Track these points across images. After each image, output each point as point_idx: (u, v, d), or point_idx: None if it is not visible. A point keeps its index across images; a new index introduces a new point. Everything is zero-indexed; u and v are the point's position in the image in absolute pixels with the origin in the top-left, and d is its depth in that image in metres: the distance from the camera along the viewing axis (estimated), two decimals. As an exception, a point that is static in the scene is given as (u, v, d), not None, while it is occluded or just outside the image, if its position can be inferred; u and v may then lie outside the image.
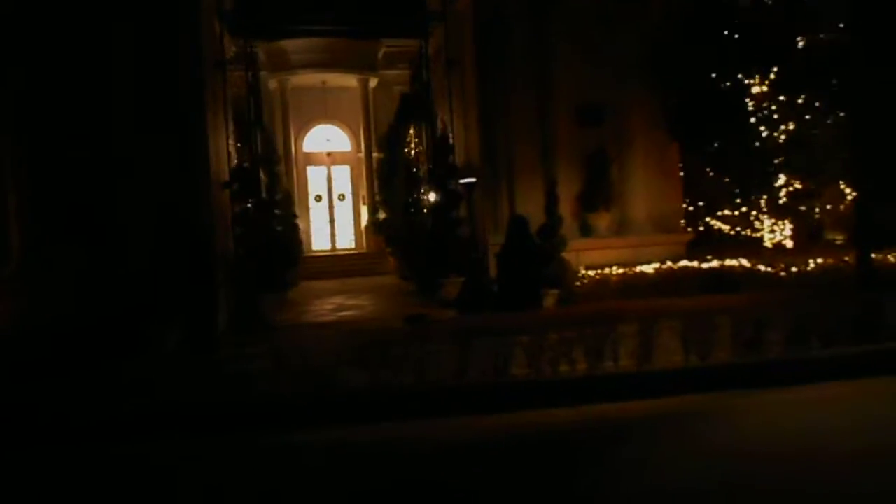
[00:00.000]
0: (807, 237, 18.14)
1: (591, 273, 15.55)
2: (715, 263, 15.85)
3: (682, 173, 17.66)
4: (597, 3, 16.74)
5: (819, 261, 15.95)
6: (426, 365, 8.98)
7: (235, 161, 19.77)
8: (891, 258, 15.36)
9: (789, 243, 18.26)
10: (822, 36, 14.92)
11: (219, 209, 15.97)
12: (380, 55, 29.58)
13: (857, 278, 12.51)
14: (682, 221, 17.92)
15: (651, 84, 16.80)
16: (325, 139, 31.48)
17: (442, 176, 16.62)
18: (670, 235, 17.29)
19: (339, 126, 31.71)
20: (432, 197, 17.07)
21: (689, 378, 8.96)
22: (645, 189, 17.24)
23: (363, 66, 29.77)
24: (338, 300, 19.12)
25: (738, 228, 18.51)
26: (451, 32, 17.78)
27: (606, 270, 15.62)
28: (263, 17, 19.76)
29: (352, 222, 31.60)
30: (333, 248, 31.43)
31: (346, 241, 31.64)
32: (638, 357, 9.12)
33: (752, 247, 18.16)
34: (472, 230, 16.52)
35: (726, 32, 15.74)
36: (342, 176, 31.82)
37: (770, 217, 17.65)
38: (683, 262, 15.79)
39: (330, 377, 8.82)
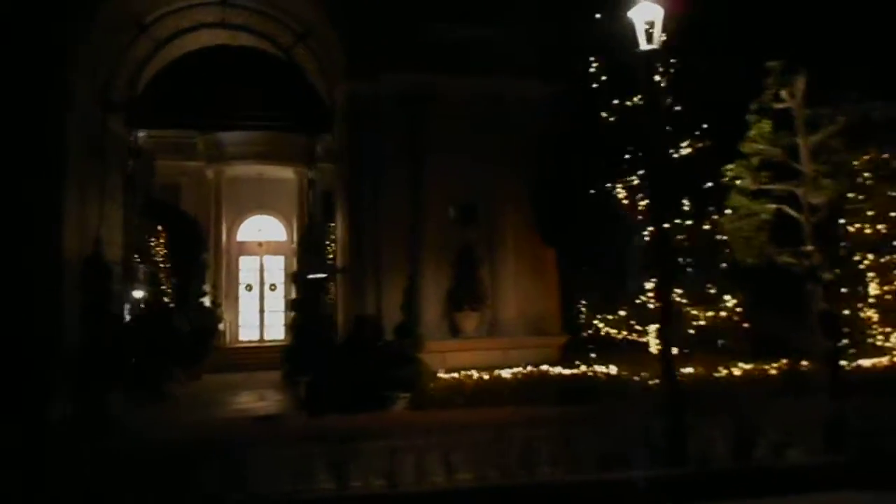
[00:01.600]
0: (694, 343, 17.16)
1: (448, 377, 14.54)
2: (581, 370, 14.86)
3: (561, 275, 16.88)
4: (474, 104, 16.44)
5: (691, 370, 14.99)
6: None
7: (122, 249, 19.18)
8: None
9: (674, 349, 17.22)
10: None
11: (72, 296, 15.22)
12: (318, 149, 29.55)
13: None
14: (559, 323, 17.00)
15: (526, 186, 16.29)
16: (258, 229, 31.03)
17: (298, 273, 15.87)
18: (543, 338, 16.33)
19: (275, 216, 31.32)
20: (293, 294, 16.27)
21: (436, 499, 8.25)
22: (518, 290, 16.41)
23: (300, 159, 29.59)
24: (230, 397, 18.04)
25: (624, 332, 17.58)
26: (338, 130, 17.48)
27: (467, 374, 14.61)
28: (161, 109, 19.60)
29: (283, 313, 30.69)
30: (262, 339, 30.39)
31: (276, 331, 30.62)
32: (389, 477, 8.28)
33: (637, 352, 17.21)
34: (321, 328, 15.61)
35: (597, 141, 15.35)
36: (276, 266, 31.16)
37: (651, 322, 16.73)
38: (545, 368, 14.78)
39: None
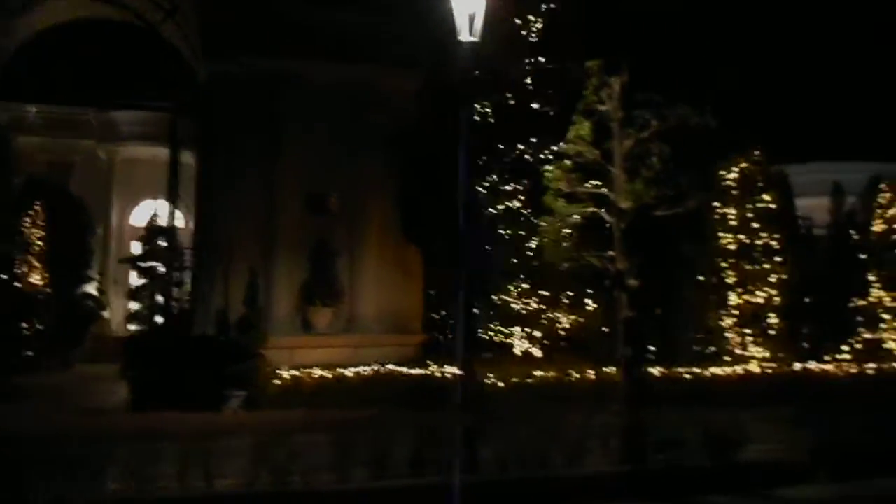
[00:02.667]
0: (556, 346, 16.93)
1: (289, 375, 13.83)
2: (430, 371, 14.37)
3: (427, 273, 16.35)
4: (341, 92, 15.73)
5: (550, 374, 14.68)
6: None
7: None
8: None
9: (538, 352, 16.99)
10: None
11: None
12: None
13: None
14: (421, 322, 16.48)
15: (392, 180, 15.69)
16: (153, 213, 29.68)
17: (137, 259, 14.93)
18: (401, 336, 15.77)
19: (172, 201, 30.06)
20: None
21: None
22: (379, 286, 15.80)
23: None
24: (88, 389, 16.98)
25: (489, 333, 17.18)
26: (198, 113, 16.58)
27: (309, 372, 13.95)
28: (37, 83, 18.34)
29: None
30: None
31: (170, 319, 29.40)
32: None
33: (502, 353, 16.86)
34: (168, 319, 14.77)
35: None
36: (172, 253, 29.92)
37: (516, 324, 16.42)
38: (392, 367, 14.23)
39: None
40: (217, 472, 8.30)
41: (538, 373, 14.85)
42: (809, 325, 19.21)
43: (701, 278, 17.72)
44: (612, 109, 9.52)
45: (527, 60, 11.53)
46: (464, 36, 9.44)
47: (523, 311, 16.75)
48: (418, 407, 12.60)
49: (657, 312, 18.45)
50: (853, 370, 17.36)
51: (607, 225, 10.68)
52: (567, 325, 16.80)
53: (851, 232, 20.90)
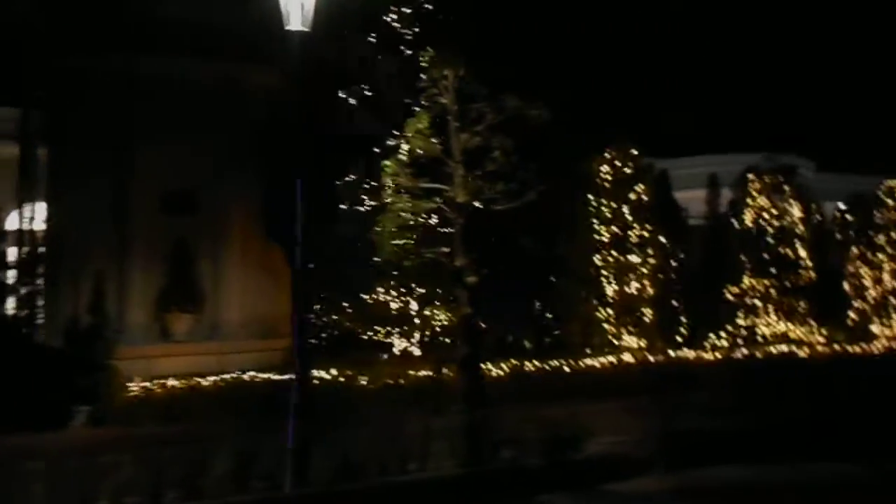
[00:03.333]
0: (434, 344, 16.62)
1: (139, 387, 12.96)
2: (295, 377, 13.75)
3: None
4: (200, 89, 14.91)
5: (424, 373, 14.30)
6: None
7: None
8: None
9: (417, 350, 16.65)
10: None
11: None
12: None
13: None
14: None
15: (257, 178, 14.99)
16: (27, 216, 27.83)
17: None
18: (267, 341, 15.10)
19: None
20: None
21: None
22: (245, 289, 15.09)
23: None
24: None
25: (369, 333, 16.73)
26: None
27: (161, 383, 13.13)
28: None
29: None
30: None
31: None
32: None
33: (381, 353, 16.43)
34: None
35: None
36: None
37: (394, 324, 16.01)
38: (252, 374, 13.56)
39: None
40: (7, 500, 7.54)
41: (411, 372, 14.53)
42: (685, 313, 19.66)
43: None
44: (448, 102, 9.19)
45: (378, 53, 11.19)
46: (293, 25, 8.95)
47: (400, 310, 16.34)
48: (276, 415, 12.06)
49: (536, 306, 18.60)
50: (725, 357, 17.84)
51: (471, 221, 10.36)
52: (444, 322, 16.51)
53: (733, 222, 21.57)
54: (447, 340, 17.32)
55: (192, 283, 14.51)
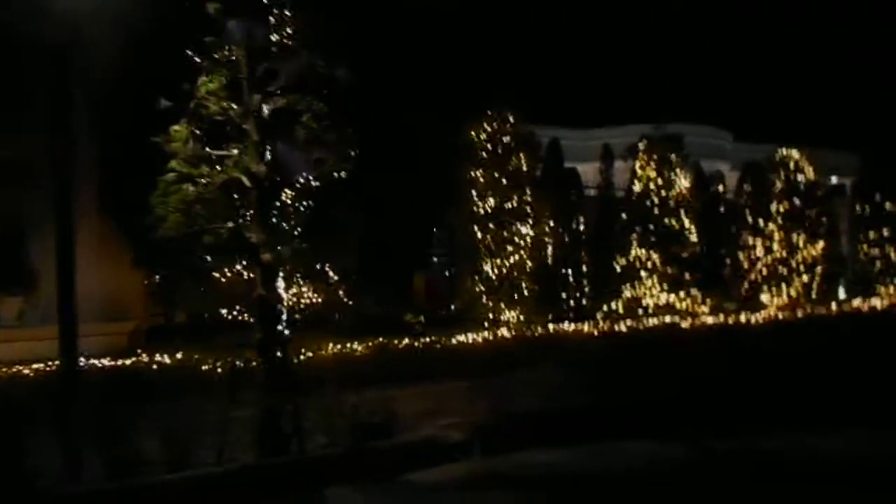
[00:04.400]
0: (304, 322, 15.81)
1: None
2: (130, 362, 12.80)
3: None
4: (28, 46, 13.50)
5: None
6: None
7: None
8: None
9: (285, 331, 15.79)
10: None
11: None
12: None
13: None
14: (141, 306, 14.86)
15: (100, 147, 13.75)
16: None
17: None
18: (110, 324, 14.04)
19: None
20: None
21: None
22: (83, 269, 13.73)
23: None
24: None
25: (231, 313, 15.79)
26: None
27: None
28: None
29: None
30: None
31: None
32: None
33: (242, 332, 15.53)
34: None
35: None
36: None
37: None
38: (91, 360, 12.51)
39: None
40: None
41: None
42: (573, 286, 19.32)
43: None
44: (240, 59, 8.21)
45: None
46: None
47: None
48: (106, 403, 11.10)
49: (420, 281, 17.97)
50: (609, 330, 17.51)
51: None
52: (313, 300, 15.68)
53: (624, 193, 21.20)
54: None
55: (21, 263, 13.27)
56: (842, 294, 26.36)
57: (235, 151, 8.04)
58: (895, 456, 7.74)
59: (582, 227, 20.23)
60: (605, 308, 18.97)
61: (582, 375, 11.91)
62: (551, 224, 18.88)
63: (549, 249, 19.41)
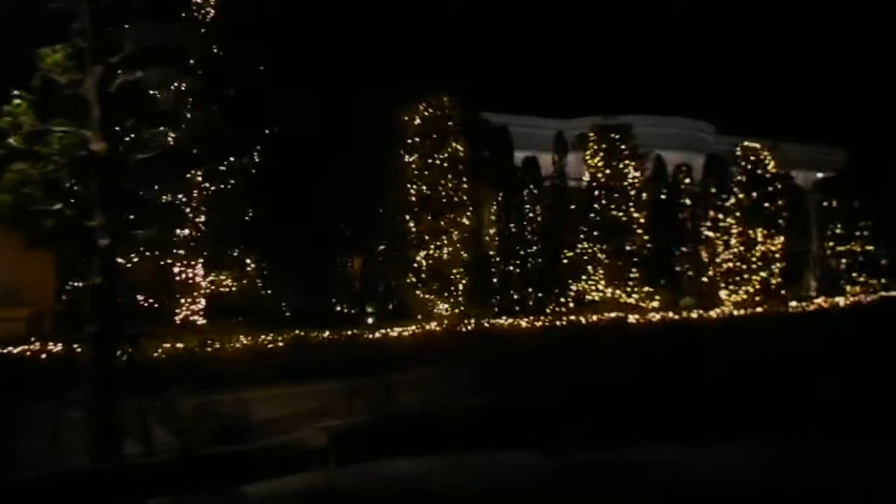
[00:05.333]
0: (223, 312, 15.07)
1: None
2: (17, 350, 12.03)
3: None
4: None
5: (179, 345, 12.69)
6: None
7: None
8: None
9: (202, 319, 15.07)
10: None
11: None
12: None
13: None
14: (49, 291, 14.08)
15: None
16: None
17: None
18: (7, 310, 13.30)
19: None
20: None
21: None
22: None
23: None
24: None
25: (152, 300, 15.05)
26: None
27: None
28: None
29: None
30: None
31: None
32: None
33: (163, 321, 14.80)
34: None
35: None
36: None
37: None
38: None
39: None
40: None
41: (180, 345, 12.97)
42: (516, 278, 18.52)
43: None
44: (82, 27, 7.39)
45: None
46: None
47: (184, 277, 14.70)
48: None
49: (353, 269, 17.13)
50: (548, 324, 16.74)
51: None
52: (233, 288, 14.93)
53: (583, 184, 20.34)
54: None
55: None
56: (812, 291, 25.64)
57: (74, 128, 7.25)
58: (758, 473, 7.04)
59: (534, 217, 19.46)
60: (547, 302, 18.19)
61: (486, 375, 11.14)
62: (494, 214, 18.13)
63: (496, 241, 18.67)
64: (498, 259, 18.27)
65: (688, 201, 21.74)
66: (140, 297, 15.00)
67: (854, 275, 24.34)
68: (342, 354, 12.75)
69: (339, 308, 16.01)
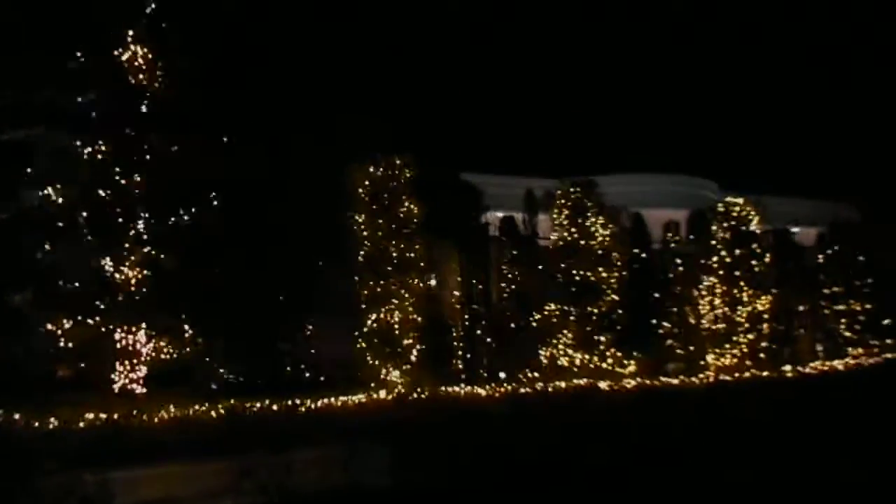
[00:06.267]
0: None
1: None
2: None
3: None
4: None
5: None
6: None
7: None
8: None
9: (140, 388, 14.28)
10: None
11: None
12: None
13: None
14: None
15: None
16: None
17: None
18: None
19: None
20: None
21: None
22: None
23: None
24: None
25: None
26: None
27: None
28: None
29: None
30: None
31: None
32: None
33: (98, 392, 14.04)
34: None
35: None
36: None
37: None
38: None
39: None
40: None
41: (104, 415, 12.17)
42: (481, 344, 17.55)
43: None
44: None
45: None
46: None
47: (124, 341, 14.03)
48: None
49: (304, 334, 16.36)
50: (511, 393, 15.67)
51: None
52: (170, 354, 14.18)
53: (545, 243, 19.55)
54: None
55: None
56: (817, 353, 24.16)
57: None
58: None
59: (502, 279, 18.61)
60: (516, 368, 17.13)
61: (412, 450, 10.22)
62: (458, 276, 17.34)
63: (463, 304, 17.83)
64: (462, 323, 17.38)
65: (678, 260, 20.77)
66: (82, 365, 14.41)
67: (855, 336, 22.89)
68: (269, 426, 11.86)
69: (286, 376, 15.16)
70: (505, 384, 15.89)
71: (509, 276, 18.04)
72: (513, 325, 17.76)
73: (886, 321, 23.64)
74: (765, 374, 18.92)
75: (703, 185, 32.33)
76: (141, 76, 13.24)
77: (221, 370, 14.32)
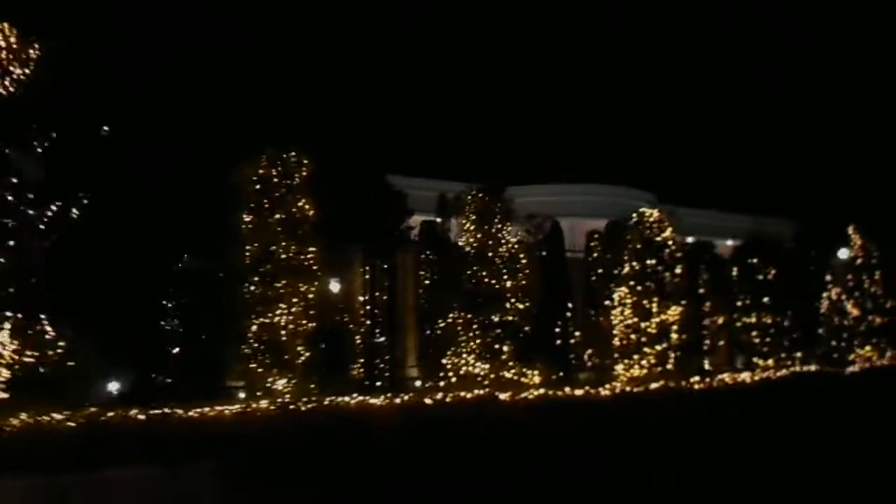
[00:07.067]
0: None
1: None
2: None
3: None
4: None
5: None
6: None
7: None
8: None
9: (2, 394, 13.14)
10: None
11: None
12: None
13: None
14: None
15: None
16: None
17: None
18: None
19: None
20: None
21: None
22: None
23: None
24: None
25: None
26: None
27: None
28: None
29: None
30: None
31: None
32: None
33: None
34: None
35: None
36: None
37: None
38: None
39: None
40: None
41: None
42: (378, 351, 16.87)
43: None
44: None
45: None
46: None
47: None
48: None
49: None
50: (406, 403, 14.99)
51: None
52: (34, 358, 13.06)
53: (464, 248, 18.89)
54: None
55: None
56: (735, 363, 24.16)
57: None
58: None
59: (408, 285, 17.99)
60: (418, 377, 16.51)
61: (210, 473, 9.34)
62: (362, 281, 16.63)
63: (367, 311, 17.11)
64: (361, 330, 16.66)
65: (600, 270, 20.48)
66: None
67: (766, 348, 22.96)
68: (114, 439, 10.87)
69: (165, 383, 14.18)
70: (402, 394, 15.22)
71: (419, 282, 17.43)
72: (416, 333, 17.18)
73: (795, 335, 23.81)
74: (671, 384, 18.72)
75: (632, 196, 32.26)
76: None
77: (88, 377, 13.28)
